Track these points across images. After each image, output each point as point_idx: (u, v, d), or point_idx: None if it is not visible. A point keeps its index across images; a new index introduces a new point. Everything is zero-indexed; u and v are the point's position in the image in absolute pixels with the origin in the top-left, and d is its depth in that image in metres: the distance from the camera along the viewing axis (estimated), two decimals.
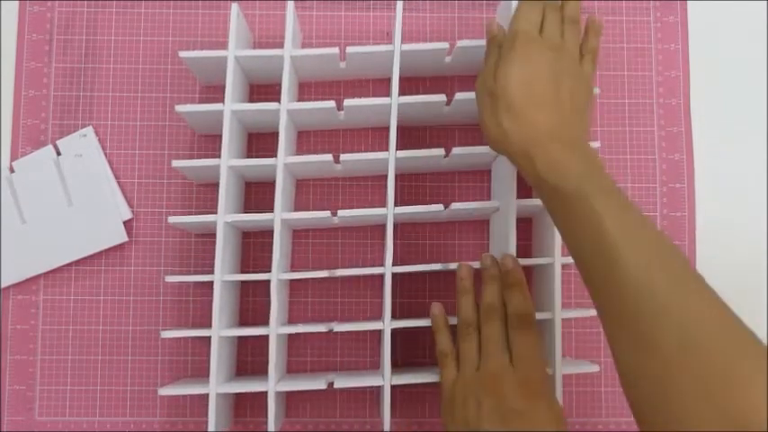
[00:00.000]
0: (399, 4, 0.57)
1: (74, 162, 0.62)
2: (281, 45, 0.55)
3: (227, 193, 0.55)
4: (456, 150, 0.57)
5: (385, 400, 0.55)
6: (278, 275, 0.55)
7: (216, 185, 0.55)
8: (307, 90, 0.64)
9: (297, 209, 0.63)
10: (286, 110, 0.56)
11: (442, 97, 0.57)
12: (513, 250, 0.56)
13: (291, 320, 0.63)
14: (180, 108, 0.56)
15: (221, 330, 0.55)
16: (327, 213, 0.57)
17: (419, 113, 0.60)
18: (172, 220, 0.56)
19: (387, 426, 0.55)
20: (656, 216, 0.64)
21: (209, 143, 0.63)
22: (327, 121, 0.61)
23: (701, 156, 0.64)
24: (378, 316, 0.62)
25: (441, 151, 0.57)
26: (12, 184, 0.61)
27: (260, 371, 0.62)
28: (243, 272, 0.62)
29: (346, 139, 0.64)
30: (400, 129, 0.58)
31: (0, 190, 0.61)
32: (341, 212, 0.57)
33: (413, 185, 0.64)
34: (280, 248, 0.55)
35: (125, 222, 0.62)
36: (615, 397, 0.62)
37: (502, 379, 0.49)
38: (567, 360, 0.62)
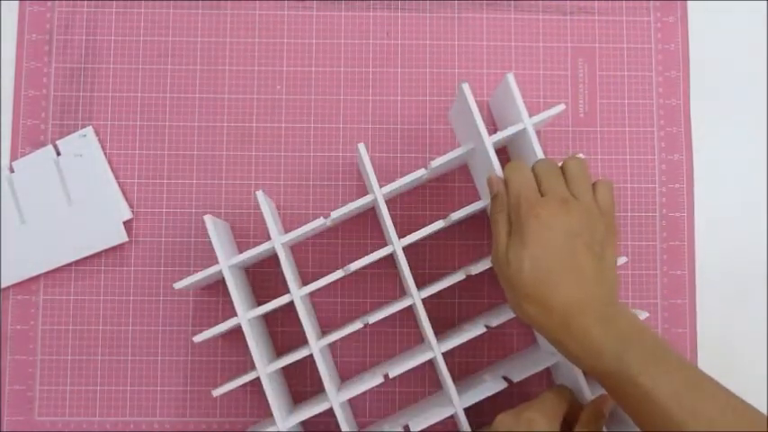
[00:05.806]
0: (362, 147, 0.55)
1: (74, 162, 0.62)
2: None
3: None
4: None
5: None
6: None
7: None
8: None
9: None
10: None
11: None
12: None
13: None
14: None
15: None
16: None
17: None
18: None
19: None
20: (656, 216, 0.64)
21: (208, 139, 0.63)
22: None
23: (700, 156, 0.64)
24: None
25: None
26: (12, 184, 0.61)
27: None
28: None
29: None
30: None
31: (0, 190, 0.61)
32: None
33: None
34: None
35: (125, 222, 0.62)
36: None
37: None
38: None
